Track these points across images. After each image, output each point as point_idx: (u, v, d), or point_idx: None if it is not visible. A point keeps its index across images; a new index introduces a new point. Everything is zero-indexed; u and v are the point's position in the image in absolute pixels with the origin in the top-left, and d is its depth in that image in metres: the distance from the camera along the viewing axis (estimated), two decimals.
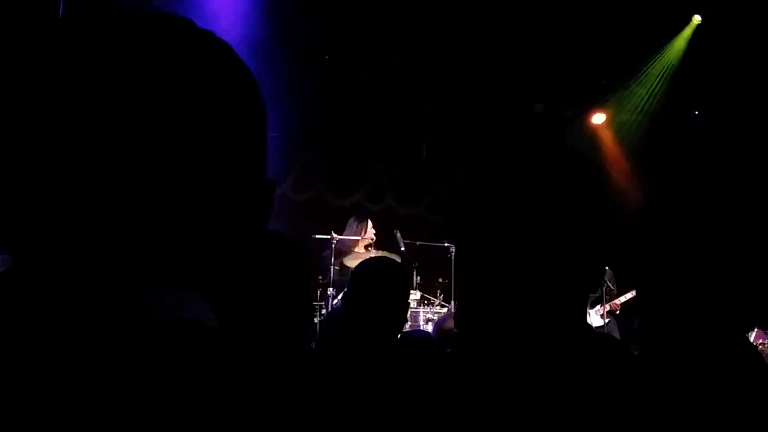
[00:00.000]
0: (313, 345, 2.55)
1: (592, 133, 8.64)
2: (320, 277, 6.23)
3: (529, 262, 0.81)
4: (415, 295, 6.21)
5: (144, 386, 0.44)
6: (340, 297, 5.52)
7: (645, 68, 7.75)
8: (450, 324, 3.69)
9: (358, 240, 6.15)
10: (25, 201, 0.49)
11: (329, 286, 5.97)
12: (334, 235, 6.11)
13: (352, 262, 5.54)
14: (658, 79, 7.76)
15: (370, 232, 6.23)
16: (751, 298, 0.94)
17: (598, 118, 8.61)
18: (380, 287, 2.39)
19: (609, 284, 6.47)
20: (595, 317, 6.63)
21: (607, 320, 6.54)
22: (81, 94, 0.49)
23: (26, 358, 0.44)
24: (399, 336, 2.59)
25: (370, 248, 6.19)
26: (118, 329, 0.46)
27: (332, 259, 5.99)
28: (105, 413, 0.42)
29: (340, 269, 6.03)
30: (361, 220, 6.31)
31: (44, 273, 0.49)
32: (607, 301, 6.52)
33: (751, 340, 3.70)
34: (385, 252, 5.87)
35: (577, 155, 0.88)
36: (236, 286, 0.57)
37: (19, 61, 0.51)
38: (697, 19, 7.30)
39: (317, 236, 6.08)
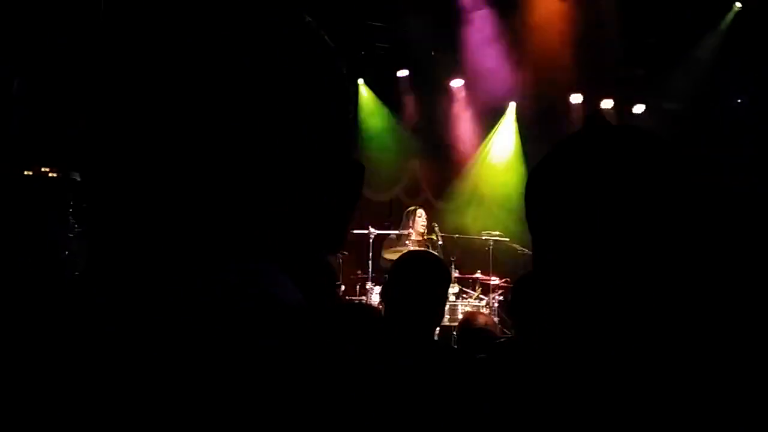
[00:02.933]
0: None
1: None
2: (359, 272, 6.29)
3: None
4: (453, 289, 6.19)
5: (223, 363, 0.44)
6: (378, 291, 5.57)
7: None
8: (482, 320, 3.62)
9: (405, 233, 6.17)
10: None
11: (368, 281, 6.03)
12: (372, 230, 6.16)
13: (392, 255, 5.57)
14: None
15: (417, 224, 6.23)
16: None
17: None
18: (417, 282, 2.36)
19: None
20: None
21: None
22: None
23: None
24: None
25: (423, 239, 6.18)
26: (181, 309, 0.47)
27: (370, 254, 6.04)
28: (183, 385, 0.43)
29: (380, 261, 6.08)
30: (410, 213, 6.32)
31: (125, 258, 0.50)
32: None
33: None
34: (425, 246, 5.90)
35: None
36: (326, 263, 0.57)
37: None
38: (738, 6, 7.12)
39: (355, 231, 6.13)
